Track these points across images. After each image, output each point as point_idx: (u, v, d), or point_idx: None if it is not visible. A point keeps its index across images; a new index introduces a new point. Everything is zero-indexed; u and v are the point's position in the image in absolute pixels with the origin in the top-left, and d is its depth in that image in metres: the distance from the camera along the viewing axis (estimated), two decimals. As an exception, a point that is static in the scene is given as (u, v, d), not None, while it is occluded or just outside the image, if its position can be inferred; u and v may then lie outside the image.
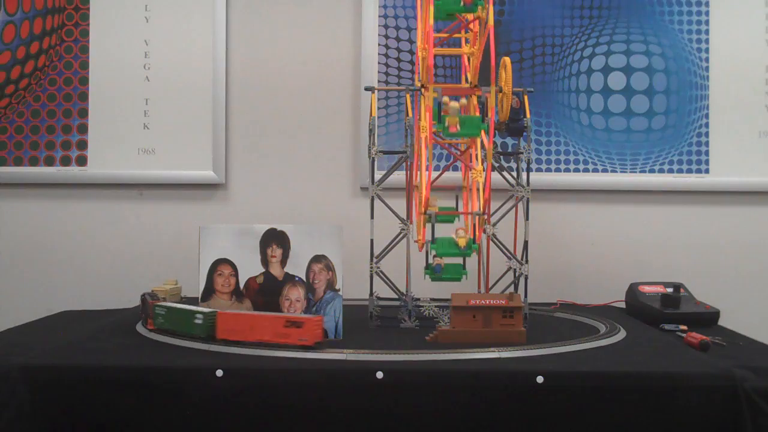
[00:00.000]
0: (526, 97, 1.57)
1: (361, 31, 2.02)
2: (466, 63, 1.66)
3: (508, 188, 1.60)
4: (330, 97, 2.05)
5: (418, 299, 1.58)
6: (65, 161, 2.04)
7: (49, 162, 2.04)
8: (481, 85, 1.54)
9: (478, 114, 1.49)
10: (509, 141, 1.99)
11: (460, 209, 1.70)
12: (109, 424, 1.20)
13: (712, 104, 2.03)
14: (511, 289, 1.60)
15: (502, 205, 1.61)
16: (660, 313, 1.65)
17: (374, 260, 1.55)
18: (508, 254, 1.56)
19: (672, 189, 2.03)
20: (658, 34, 2.02)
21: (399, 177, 1.63)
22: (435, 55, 1.55)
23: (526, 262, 1.57)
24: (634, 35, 2.02)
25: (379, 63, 2.03)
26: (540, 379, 1.18)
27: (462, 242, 1.46)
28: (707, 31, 2.03)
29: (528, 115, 1.57)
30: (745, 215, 2.04)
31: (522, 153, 1.61)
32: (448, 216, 1.60)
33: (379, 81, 2.02)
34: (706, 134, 2.03)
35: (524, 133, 1.58)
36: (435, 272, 1.48)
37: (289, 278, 1.45)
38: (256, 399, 1.19)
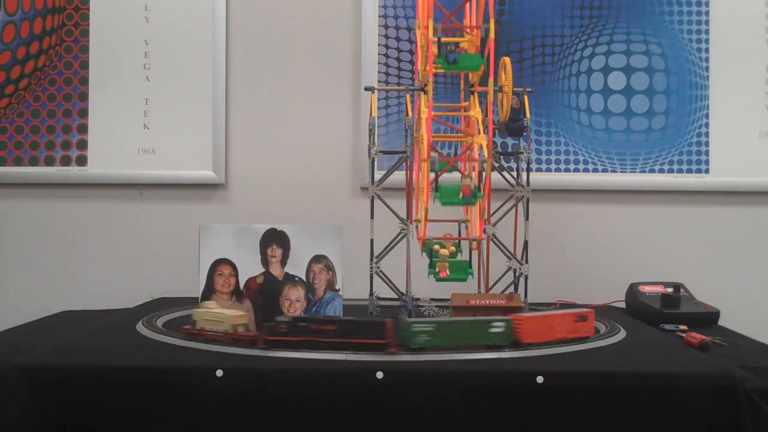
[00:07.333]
0: (526, 97, 1.57)
1: (361, 31, 2.02)
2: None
3: (508, 188, 1.60)
4: (330, 97, 2.05)
5: (418, 299, 1.58)
6: (65, 161, 2.04)
7: (49, 162, 2.04)
8: (481, 84, 1.54)
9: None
10: (509, 141, 1.99)
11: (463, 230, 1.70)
12: (109, 424, 1.20)
13: (712, 104, 2.03)
14: (511, 289, 1.60)
15: (502, 205, 1.61)
16: (660, 313, 1.65)
17: (374, 260, 1.55)
18: (508, 254, 1.56)
19: (672, 189, 2.03)
20: (658, 34, 2.02)
21: (399, 177, 1.63)
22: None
23: (526, 262, 1.57)
24: (634, 35, 2.02)
25: (379, 63, 2.03)
26: (540, 379, 1.18)
27: (467, 190, 1.43)
28: (707, 31, 2.03)
29: (528, 115, 1.57)
30: (745, 215, 2.04)
31: (522, 153, 1.61)
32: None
33: (379, 81, 2.02)
34: (706, 134, 2.03)
35: (524, 133, 1.58)
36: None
37: (289, 278, 1.45)
38: (256, 399, 1.19)
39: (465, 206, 1.67)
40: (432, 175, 1.44)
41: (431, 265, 1.51)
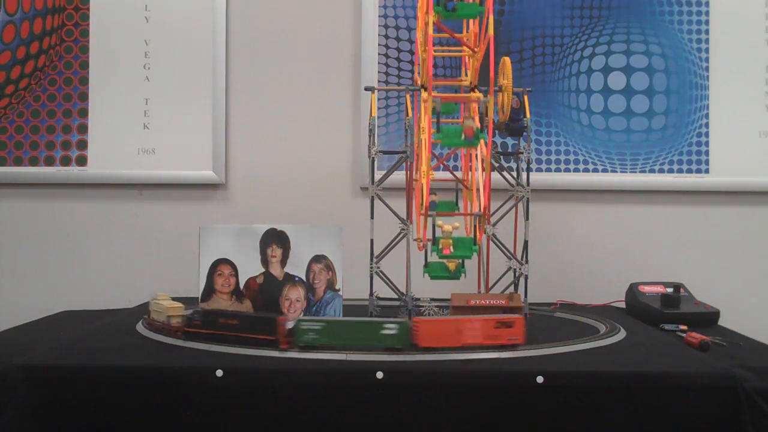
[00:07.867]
0: (526, 97, 1.57)
1: (361, 31, 2.02)
2: (467, 60, 1.65)
3: (508, 188, 1.60)
4: (330, 97, 2.05)
5: (418, 299, 1.58)
6: (65, 161, 2.04)
7: (49, 162, 2.04)
8: (482, 85, 1.54)
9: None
10: (509, 141, 1.99)
11: (461, 206, 1.70)
12: (109, 424, 1.20)
13: (712, 104, 2.03)
14: (511, 289, 1.60)
15: (502, 205, 1.61)
16: (660, 313, 1.65)
17: (374, 260, 1.55)
18: (508, 254, 1.56)
19: (672, 189, 2.03)
20: (658, 34, 2.02)
21: (399, 177, 1.63)
22: (435, 57, 1.54)
23: (526, 262, 1.57)
24: (634, 35, 2.02)
25: (379, 63, 2.03)
26: (540, 379, 1.18)
27: (469, 131, 1.38)
28: (707, 31, 2.03)
29: (528, 115, 1.57)
30: (745, 215, 2.04)
31: (522, 153, 1.61)
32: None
33: (379, 81, 2.02)
34: (706, 134, 2.03)
35: (524, 133, 1.58)
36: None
37: (289, 278, 1.45)
38: (256, 399, 1.19)
39: (464, 195, 1.67)
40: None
41: (435, 243, 1.47)
